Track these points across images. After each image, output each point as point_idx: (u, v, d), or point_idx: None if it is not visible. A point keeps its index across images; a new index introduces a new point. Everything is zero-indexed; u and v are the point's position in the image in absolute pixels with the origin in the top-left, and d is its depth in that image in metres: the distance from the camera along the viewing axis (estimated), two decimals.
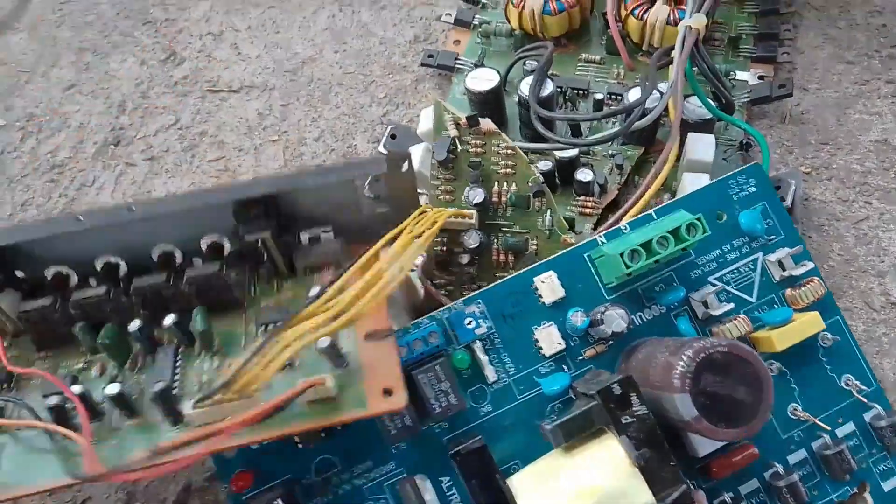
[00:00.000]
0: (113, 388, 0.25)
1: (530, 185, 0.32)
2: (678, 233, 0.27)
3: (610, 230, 0.29)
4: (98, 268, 0.28)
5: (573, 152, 0.37)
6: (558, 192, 0.39)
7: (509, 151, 0.33)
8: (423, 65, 0.46)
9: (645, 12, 0.42)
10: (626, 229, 0.29)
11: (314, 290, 0.25)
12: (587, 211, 0.37)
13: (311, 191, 0.28)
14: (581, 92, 0.43)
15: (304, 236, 0.29)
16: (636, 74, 0.44)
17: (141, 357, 0.28)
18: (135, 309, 0.28)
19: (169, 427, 0.25)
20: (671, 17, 0.41)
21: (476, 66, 0.44)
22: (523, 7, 0.43)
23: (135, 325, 0.27)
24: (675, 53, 0.36)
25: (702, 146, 0.35)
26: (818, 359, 0.30)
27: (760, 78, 0.43)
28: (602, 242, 0.29)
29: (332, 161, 0.45)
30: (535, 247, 0.33)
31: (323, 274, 0.29)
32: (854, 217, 0.37)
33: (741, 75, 0.43)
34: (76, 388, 0.25)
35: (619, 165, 0.38)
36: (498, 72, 0.39)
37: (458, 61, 0.45)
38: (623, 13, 0.43)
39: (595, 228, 0.37)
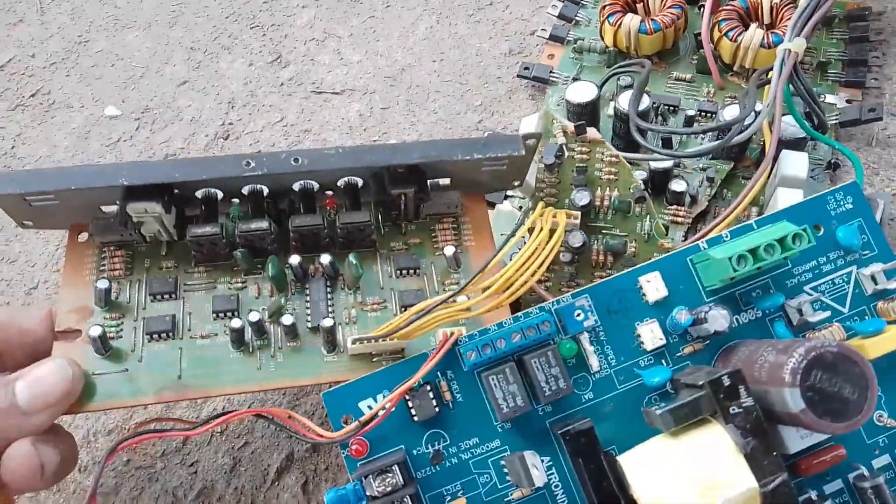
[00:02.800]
0: (287, 320, 0.31)
1: (632, 191, 0.34)
2: (784, 241, 0.29)
3: (711, 237, 0.31)
4: (245, 192, 0.33)
5: (668, 163, 0.39)
6: (650, 199, 0.41)
7: (613, 159, 0.35)
8: (519, 76, 0.48)
9: (739, 35, 0.44)
10: (727, 237, 0.31)
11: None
12: (678, 220, 0.39)
13: (452, 162, 0.32)
14: (672, 108, 0.45)
15: (428, 183, 0.34)
16: (725, 93, 0.45)
17: (294, 285, 0.33)
18: (291, 244, 0.33)
19: (325, 353, 0.32)
20: (765, 41, 0.43)
21: (574, 79, 0.46)
22: (619, 26, 0.46)
23: (295, 259, 0.32)
24: (773, 75, 0.38)
25: (796, 163, 0.37)
26: None
27: (848, 102, 0.44)
28: (704, 248, 0.31)
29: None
30: (633, 249, 0.35)
31: (443, 222, 0.35)
32: None
33: (829, 98, 0.44)
34: (253, 316, 0.32)
35: (710, 178, 0.40)
36: (596, 85, 0.42)
37: (552, 74, 0.48)
38: (716, 35, 0.45)
39: (686, 237, 0.39)
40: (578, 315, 0.30)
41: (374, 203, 0.35)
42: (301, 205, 0.34)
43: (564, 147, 0.35)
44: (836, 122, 0.43)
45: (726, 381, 0.25)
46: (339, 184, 0.34)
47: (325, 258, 0.33)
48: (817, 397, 0.24)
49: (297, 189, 0.33)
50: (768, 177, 0.38)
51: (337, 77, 0.52)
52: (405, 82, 0.51)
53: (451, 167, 0.33)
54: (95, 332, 0.31)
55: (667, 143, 0.42)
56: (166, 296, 0.33)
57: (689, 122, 0.43)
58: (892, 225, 0.39)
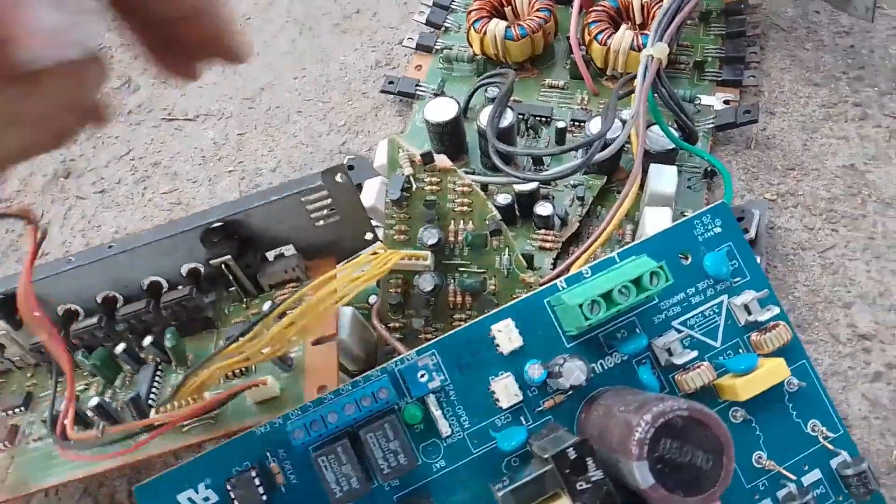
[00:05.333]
0: (93, 401, 0.29)
1: (487, 223, 0.31)
2: (640, 281, 0.26)
3: (571, 275, 0.28)
4: (99, 301, 0.32)
5: (533, 185, 0.36)
6: (519, 225, 0.38)
7: (465, 189, 0.31)
8: (383, 91, 0.45)
9: (609, 37, 0.41)
10: (587, 273, 0.28)
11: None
12: (547, 245, 0.36)
13: (259, 213, 0.30)
14: (543, 119, 0.42)
15: (270, 255, 0.32)
16: (601, 99, 0.43)
17: (130, 375, 0.32)
18: (124, 334, 0.31)
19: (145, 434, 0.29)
20: (635, 43, 0.40)
21: (435, 94, 0.42)
22: (485, 33, 0.42)
23: (120, 347, 0.31)
24: (636, 83, 0.35)
25: (664, 178, 0.34)
26: (784, 404, 0.29)
27: (726, 103, 0.42)
28: (562, 287, 0.28)
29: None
30: (493, 286, 0.32)
31: (286, 290, 0.32)
32: (820, 245, 0.37)
33: (706, 100, 0.42)
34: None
35: (580, 197, 0.37)
36: (457, 102, 0.38)
37: (419, 87, 0.44)
38: (587, 38, 0.43)
39: (555, 263, 0.36)
40: (423, 376, 0.27)
41: (210, 280, 0.32)
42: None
43: (412, 178, 0.31)
44: (713, 125, 0.40)
45: (572, 455, 0.22)
46: (183, 273, 0.32)
47: (147, 339, 0.31)
48: (667, 469, 0.21)
49: (145, 287, 0.32)
50: (641, 189, 0.35)
51: (190, 101, 0.48)
52: (264, 103, 0.47)
53: (281, 230, 0.31)
54: None
55: (537, 159, 0.39)
56: (17, 409, 0.33)
57: (561, 134, 0.40)
58: (771, 234, 0.37)
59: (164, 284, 0.32)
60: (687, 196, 0.38)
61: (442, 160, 0.32)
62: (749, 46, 0.44)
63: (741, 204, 0.37)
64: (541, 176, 0.35)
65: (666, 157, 0.36)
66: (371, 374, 0.27)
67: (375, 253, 0.29)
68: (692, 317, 0.29)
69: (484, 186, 0.38)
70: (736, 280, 0.29)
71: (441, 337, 0.28)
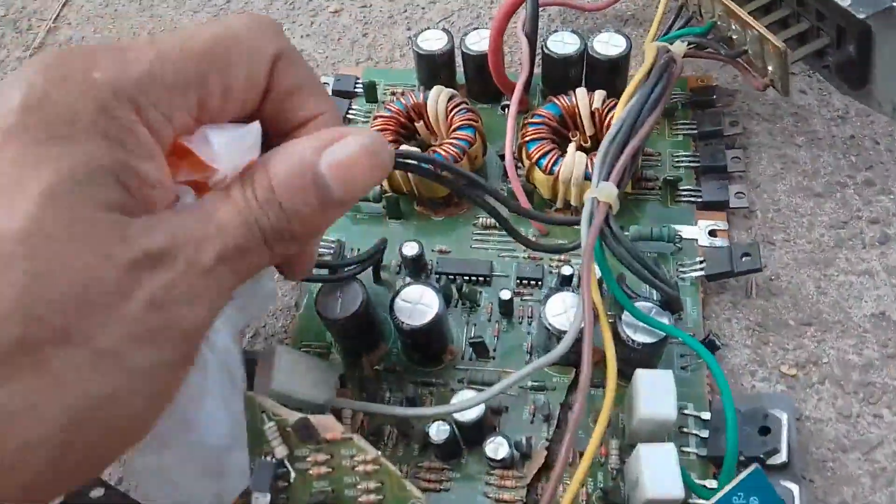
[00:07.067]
0: None
1: None
2: None
3: None
4: None
5: (477, 411, 0.26)
6: (465, 462, 0.27)
7: (372, 467, 0.21)
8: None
9: (554, 163, 0.31)
10: None
11: None
12: (506, 496, 0.26)
13: None
14: (482, 279, 0.31)
15: None
16: (553, 237, 0.33)
17: None
18: None
19: None
20: (590, 170, 0.31)
21: (330, 269, 0.32)
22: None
23: None
24: (582, 241, 0.25)
25: (655, 394, 0.24)
26: None
27: (712, 234, 0.32)
28: None
29: None
30: None
31: None
32: (864, 443, 0.28)
33: (688, 231, 0.32)
34: None
35: (544, 416, 0.27)
36: (362, 286, 0.28)
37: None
38: (526, 161, 0.33)
39: None
40: None
41: None
42: None
43: (288, 462, 0.21)
44: (703, 274, 0.31)
45: None
46: None
47: None
48: None
49: None
50: (625, 380, 0.25)
51: None
52: None
53: None
54: None
55: (483, 350, 0.29)
56: None
57: (507, 307, 0.30)
58: (799, 429, 0.28)
59: None
60: (684, 385, 0.28)
61: (328, 425, 0.21)
62: (729, 149, 0.34)
63: (755, 397, 0.28)
64: (485, 396, 0.25)
65: (651, 354, 0.26)
66: None
67: None
68: None
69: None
70: None
71: None
